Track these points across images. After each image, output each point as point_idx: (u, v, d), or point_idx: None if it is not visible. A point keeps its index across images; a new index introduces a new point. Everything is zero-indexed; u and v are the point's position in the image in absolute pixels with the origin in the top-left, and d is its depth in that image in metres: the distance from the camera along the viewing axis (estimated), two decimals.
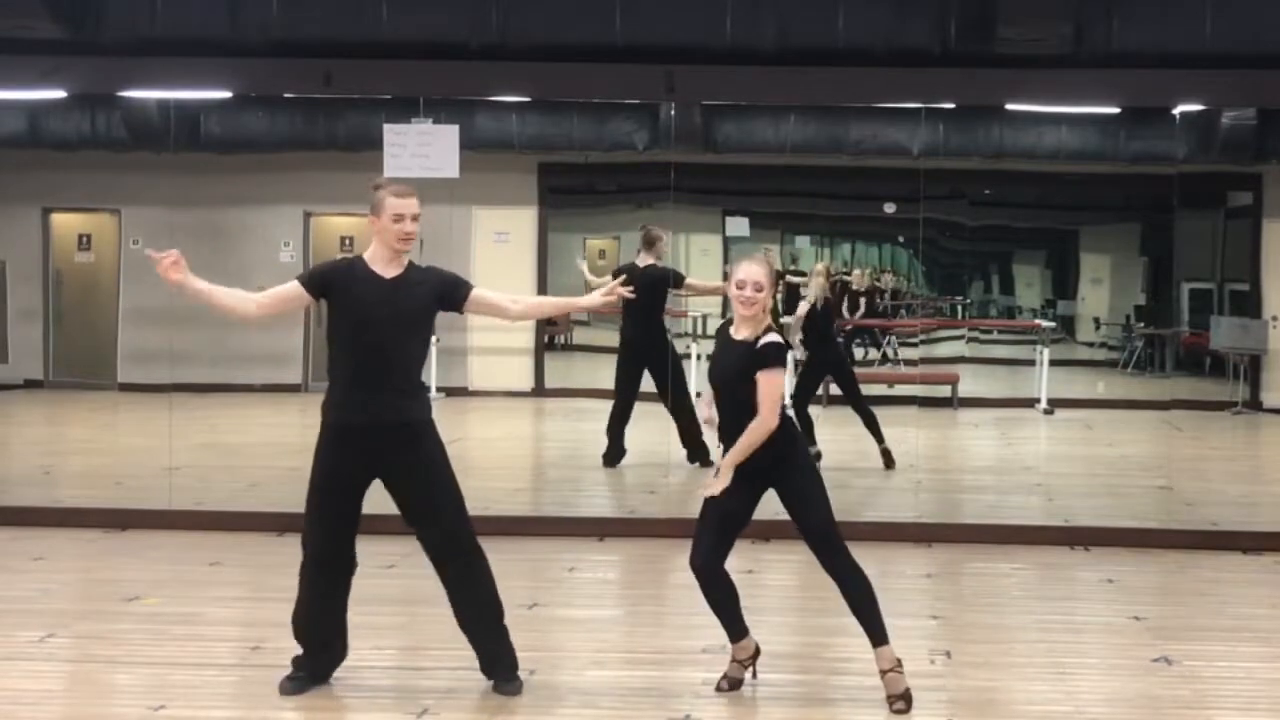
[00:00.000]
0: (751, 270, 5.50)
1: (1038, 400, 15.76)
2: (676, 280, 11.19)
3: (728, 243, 16.35)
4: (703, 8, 8.23)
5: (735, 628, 5.66)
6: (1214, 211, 17.44)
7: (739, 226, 16.13)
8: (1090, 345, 18.97)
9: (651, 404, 11.09)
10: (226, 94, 12.48)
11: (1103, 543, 8.72)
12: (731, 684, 5.66)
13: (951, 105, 10.21)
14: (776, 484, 5.53)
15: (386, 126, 9.03)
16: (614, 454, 11.14)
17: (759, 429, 5.40)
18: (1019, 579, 8.12)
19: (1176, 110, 10.53)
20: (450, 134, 8.84)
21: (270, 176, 15.93)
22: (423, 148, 8.83)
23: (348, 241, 16.77)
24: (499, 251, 16.07)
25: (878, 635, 5.50)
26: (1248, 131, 14.10)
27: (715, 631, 5.83)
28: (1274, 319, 16.04)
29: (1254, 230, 16.33)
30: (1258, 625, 7.03)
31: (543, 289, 16.07)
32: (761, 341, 5.43)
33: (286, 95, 13.17)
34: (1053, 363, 16.13)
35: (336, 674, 5.81)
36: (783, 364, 5.49)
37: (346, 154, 14.27)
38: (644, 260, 11.03)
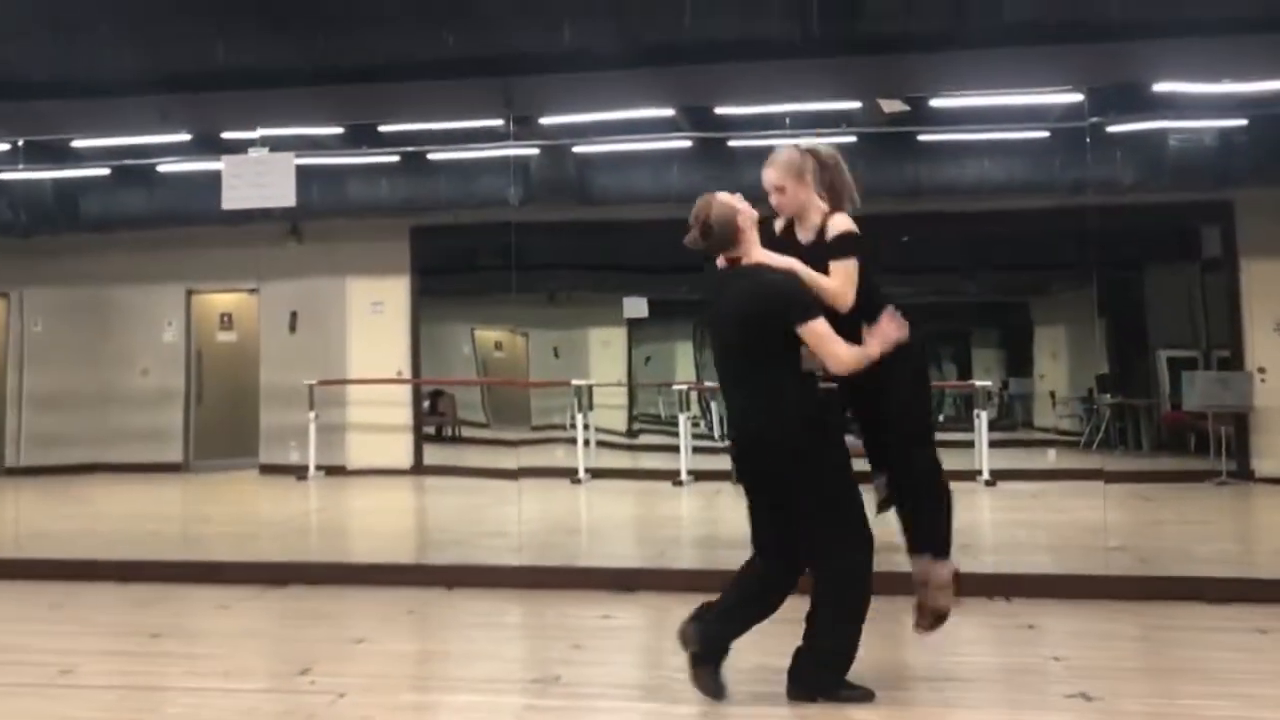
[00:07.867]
0: None
1: (979, 472, 14.52)
2: None
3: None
4: (539, 12, 7.45)
5: None
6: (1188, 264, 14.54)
7: (637, 308, 15.16)
8: (1044, 430, 16.91)
9: None
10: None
11: (1028, 594, 7.69)
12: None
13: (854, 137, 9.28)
14: None
15: (224, 158, 8.76)
16: None
17: None
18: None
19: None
20: (286, 161, 8.55)
21: (151, 255, 15.58)
22: (260, 176, 8.54)
23: (226, 319, 16.30)
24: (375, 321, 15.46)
25: None
26: (1203, 154, 11.83)
27: None
28: (1260, 371, 13.29)
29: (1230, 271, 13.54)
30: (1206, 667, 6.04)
31: (417, 359, 15.32)
32: None
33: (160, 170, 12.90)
34: (1000, 444, 14.28)
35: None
36: None
37: (226, 228, 13.85)
38: None
